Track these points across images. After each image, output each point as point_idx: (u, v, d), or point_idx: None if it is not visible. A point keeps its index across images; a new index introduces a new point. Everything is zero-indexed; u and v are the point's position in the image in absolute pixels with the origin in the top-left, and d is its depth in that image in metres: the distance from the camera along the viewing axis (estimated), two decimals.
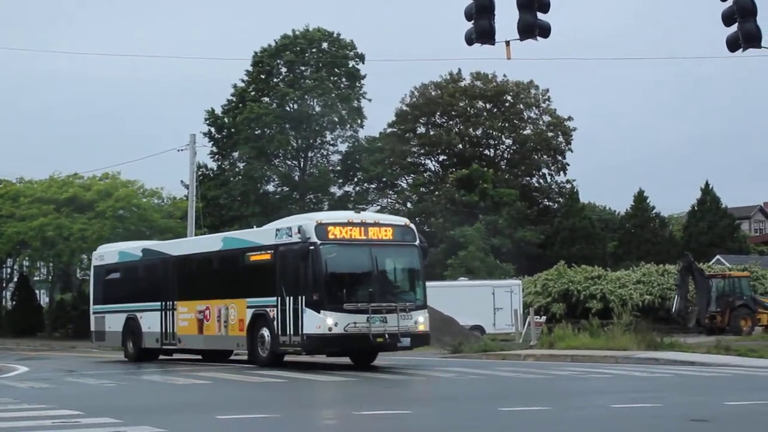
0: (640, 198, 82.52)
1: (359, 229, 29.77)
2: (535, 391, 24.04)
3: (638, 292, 59.88)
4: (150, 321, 36.08)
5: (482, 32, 20.64)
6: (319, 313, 28.41)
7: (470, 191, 73.16)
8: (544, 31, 20.56)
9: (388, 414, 17.63)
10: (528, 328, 45.23)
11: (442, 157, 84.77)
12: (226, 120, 76.73)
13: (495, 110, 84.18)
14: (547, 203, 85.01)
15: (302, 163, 79.38)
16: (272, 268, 30.41)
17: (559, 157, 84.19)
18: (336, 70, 77.59)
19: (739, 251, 77.85)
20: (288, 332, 29.29)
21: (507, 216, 73.20)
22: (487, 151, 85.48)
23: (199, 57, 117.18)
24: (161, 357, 37.62)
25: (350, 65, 78.16)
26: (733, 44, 20.34)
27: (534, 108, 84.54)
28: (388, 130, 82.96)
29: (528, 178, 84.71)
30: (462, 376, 27.54)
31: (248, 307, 31.11)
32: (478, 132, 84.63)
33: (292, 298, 29.25)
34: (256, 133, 75.85)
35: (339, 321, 28.37)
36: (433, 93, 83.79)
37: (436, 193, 78.54)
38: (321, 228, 29.04)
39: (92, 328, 40.60)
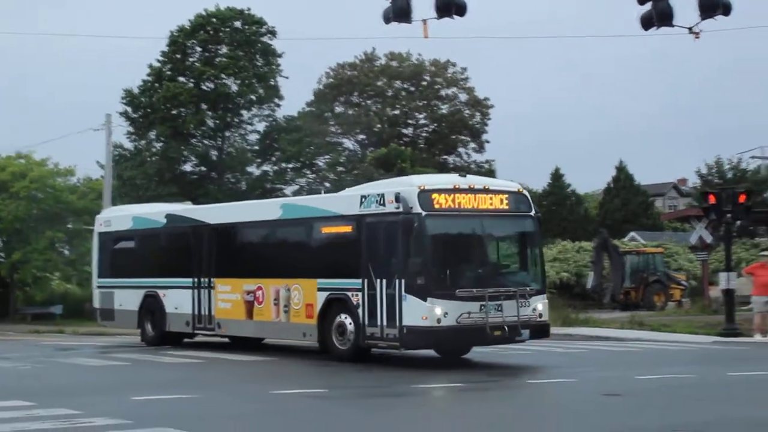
0: (557, 176, 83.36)
1: (467, 196, 24.33)
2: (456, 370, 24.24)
3: (554, 269, 60.34)
4: (177, 300, 30.76)
5: (400, 10, 20.72)
6: (425, 300, 22.99)
7: (388, 170, 73.26)
8: (461, 9, 20.69)
9: None
10: None
11: (360, 137, 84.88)
12: (142, 100, 76.06)
13: (413, 89, 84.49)
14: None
15: (219, 142, 79.05)
16: (355, 243, 25.03)
17: (477, 136, 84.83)
18: (251, 49, 77.21)
19: (652, 228, 78.88)
20: (379, 323, 23.95)
21: None
22: (405, 131, 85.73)
23: (114, 36, 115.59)
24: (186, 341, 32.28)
25: (264, 42, 77.23)
26: (647, 23, 20.56)
27: (452, 87, 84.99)
28: (306, 110, 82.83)
29: (446, 157, 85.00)
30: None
31: (320, 289, 25.80)
32: (396, 111, 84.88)
33: (384, 280, 23.84)
34: (173, 113, 74.98)
35: (450, 310, 23.03)
36: (348, 73, 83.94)
37: (355, 172, 78.41)
38: (425, 195, 23.61)
39: (96, 305, 34.96)
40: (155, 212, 33.95)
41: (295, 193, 78.23)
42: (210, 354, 28.48)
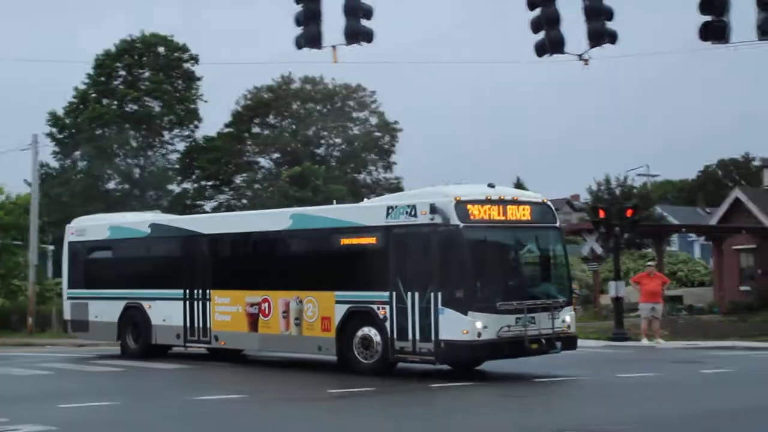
0: None
1: (498, 207, 22.76)
2: None
3: None
4: (165, 312, 28.31)
5: (310, 37, 20.78)
6: (465, 314, 21.41)
7: (303, 187, 73.22)
8: (368, 36, 20.78)
9: None
10: None
11: (275, 156, 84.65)
12: (67, 121, 75.57)
13: (325, 111, 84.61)
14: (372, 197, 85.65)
15: (142, 161, 78.89)
16: (381, 254, 23.24)
17: (387, 156, 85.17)
18: (173, 72, 77.26)
19: None
20: (411, 337, 22.25)
21: None
22: (318, 150, 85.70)
23: (40, 60, 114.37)
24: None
25: (185, 67, 77.63)
26: (540, 50, 20.80)
27: (363, 110, 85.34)
28: (225, 131, 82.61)
29: (357, 175, 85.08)
30: None
31: (338, 301, 23.90)
32: (310, 132, 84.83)
33: (417, 293, 22.14)
34: (97, 133, 74.71)
35: (490, 324, 21.51)
36: (266, 96, 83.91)
37: (270, 189, 78.33)
38: (461, 207, 22.01)
39: (67, 317, 31.97)
40: (136, 221, 31.30)
41: (214, 210, 78.46)
42: (143, 364, 28.12)
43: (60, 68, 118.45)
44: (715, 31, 19.48)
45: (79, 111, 75.10)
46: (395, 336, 22.51)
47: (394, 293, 22.55)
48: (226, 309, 26.85)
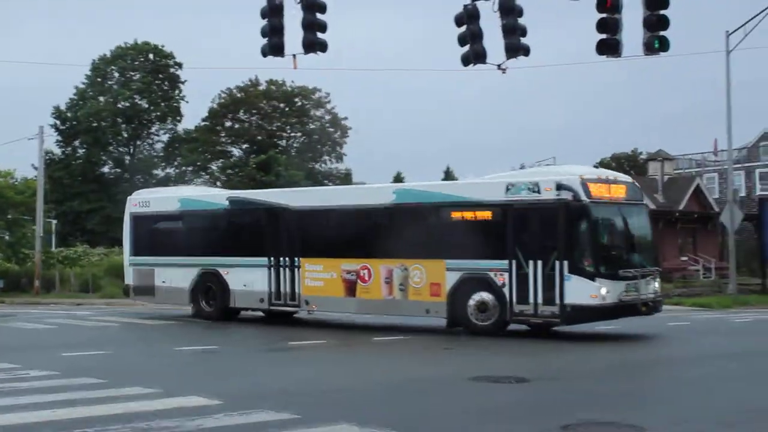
0: (398, 179, 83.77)
1: (607, 186, 22.04)
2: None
3: None
4: (246, 278, 26.21)
5: (274, 47, 20.73)
6: (593, 280, 20.59)
7: (267, 173, 73.24)
8: (323, 47, 20.74)
9: None
10: None
11: (245, 146, 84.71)
12: (68, 115, 75.55)
13: (287, 109, 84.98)
14: (328, 184, 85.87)
15: (131, 150, 79.12)
16: (499, 226, 21.86)
17: (338, 148, 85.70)
18: (160, 75, 77.54)
19: None
20: (532, 300, 21.20)
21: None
22: (280, 142, 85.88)
23: (46, 63, 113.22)
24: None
25: (170, 71, 77.88)
26: (466, 61, 20.85)
27: (319, 109, 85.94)
28: (203, 124, 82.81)
29: (313, 164, 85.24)
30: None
31: (449, 269, 22.39)
32: (274, 127, 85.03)
33: (540, 262, 21.02)
34: (94, 125, 75.06)
35: (612, 289, 20.77)
36: (237, 95, 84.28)
37: (240, 174, 78.31)
38: (584, 185, 21.11)
39: (129, 282, 29.26)
40: (211, 194, 29.65)
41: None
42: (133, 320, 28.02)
43: (60, 70, 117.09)
44: (609, 47, 19.68)
45: (78, 106, 75.57)
46: (514, 300, 21.41)
47: (513, 262, 21.36)
48: (319, 276, 24.90)
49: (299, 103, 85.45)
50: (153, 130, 79.67)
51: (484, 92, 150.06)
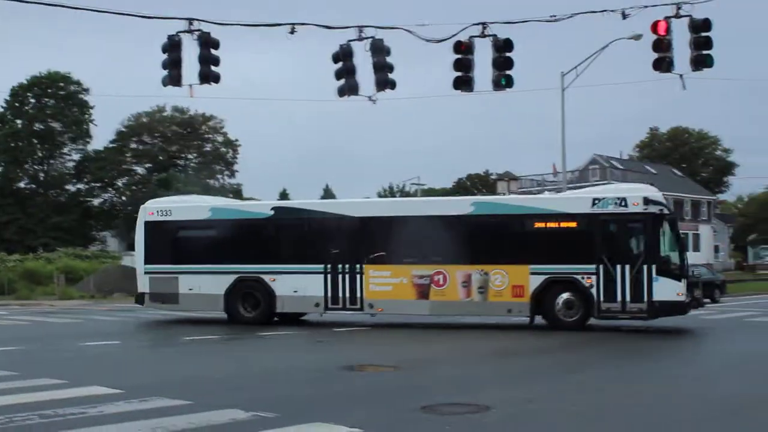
0: (284, 196, 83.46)
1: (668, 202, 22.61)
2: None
3: None
4: (297, 284, 23.93)
5: (173, 78, 20.32)
6: (679, 281, 21.19)
7: (168, 189, 72.33)
8: (216, 78, 20.39)
9: None
10: None
11: (148, 165, 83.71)
12: None
13: (186, 132, 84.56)
14: (230, 197, 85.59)
15: (45, 167, 77.60)
16: (586, 235, 21.77)
17: (230, 166, 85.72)
18: (70, 101, 76.16)
19: None
20: (620, 299, 21.30)
21: None
22: (179, 161, 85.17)
23: None
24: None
25: (80, 97, 76.13)
26: (341, 92, 20.81)
27: (213, 132, 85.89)
28: (110, 145, 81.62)
29: (209, 180, 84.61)
30: None
31: (533, 273, 22.05)
32: (174, 148, 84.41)
33: (627, 266, 21.25)
34: (11, 145, 73.52)
35: (686, 289, 21.49)
36: (144, 119, 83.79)
37: (143, 190, 77.23)
38: (663, 200, 22.08)
39: (144, 290, 25.54)
40: (249, 204, 27.57)
41: (102, 204, 77.94)
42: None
43: None
44: (463, 83, 19.89)
45: None
46: (602, 299, 21.49)
47: (600, 266, 21.47)
48: (386, 281, 23.28)
49: (198, 128, 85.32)
50: (65, 150, 78.20)
51: (359, 119, 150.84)
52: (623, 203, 21.60)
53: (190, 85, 20.22)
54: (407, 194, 78.46)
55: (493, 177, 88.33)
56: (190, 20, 19.56)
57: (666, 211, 21.72)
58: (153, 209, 26.17)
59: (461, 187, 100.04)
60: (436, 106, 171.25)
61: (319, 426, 9.52)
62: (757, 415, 10.61)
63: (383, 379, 13.66)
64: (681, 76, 18.91)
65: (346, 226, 23.98)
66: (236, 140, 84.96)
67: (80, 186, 78.99)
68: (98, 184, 79.50)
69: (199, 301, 24.98)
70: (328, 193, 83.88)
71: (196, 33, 19.60)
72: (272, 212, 24.91)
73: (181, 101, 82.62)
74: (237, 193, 79.51)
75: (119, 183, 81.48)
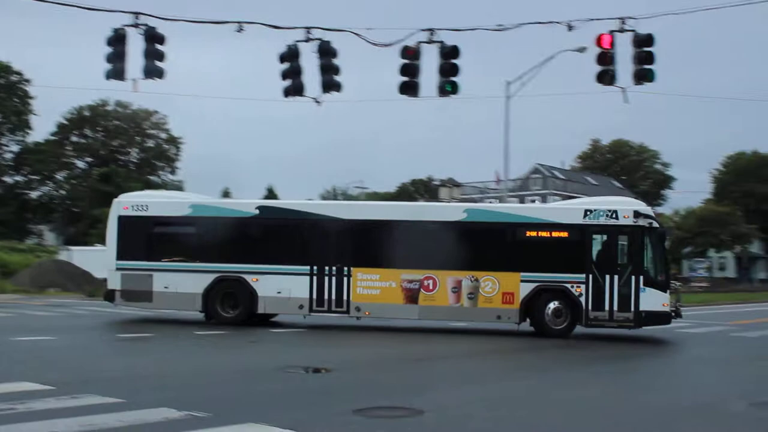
0: (225, 194, 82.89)
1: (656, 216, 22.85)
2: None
3: None
4: (280, 285, 23.25)
5: (117, 72, 20.04)
6: (665, 291, 21.68)
7: (108, 184, 71.39)
8: (160, 73, 20.16)
9: None
10: None
11: (89, 159, 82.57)
12: None
13: (128, 128, 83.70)
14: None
15: None
16: (577, 245, 21.98)
17: (172, 163, 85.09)
18: (10, 91, 74.76)
19: None
20: (607, 308, 21.62)
21: None
22: (121, 156, 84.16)
23: None
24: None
25: (20, 87, 74.66)
26: (287, 93, 20.76)
27: (156, 129, 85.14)
28: (51, 138, 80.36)
29: (150, 177, 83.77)
30: None
31: (524, 281, 22.11)
32: (116, 143, 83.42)
33: (616, 276, 21.69)
34: None
35: (670, 300, 21.95)
36: (86, 113, 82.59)
37: (84, 184, 76.13)
38: (654, 214, 22.48)
39: (115, 287, 24.30)
40: (231, 202, 26.97)
41: (40, 197, 76.74)
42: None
43: None
44: (409, 88, 19.92)
45: None
46: (590, 307, 21.82)
47: (590, 275, 21.83)
48: (373, 284, 22.95)
49: (141, 123, 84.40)
50: (3, 141, 76.68)
51: (302, 120, 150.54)
52: (614, 215, 22.02)
53: (134, 80, 19.99)
54: (351, 197, 78.45)
55: (435, 183, 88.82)
56: (137, 14, 19.36)
57: (655, 225, 22.10)
58: (128, 203, 25.01)
59: (404, 192, 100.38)
60: (382, 110, 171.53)
61: (252, 426, 9.49)
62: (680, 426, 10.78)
63: (318, 381, 13.62)
64: (623, 89, 19.25)
65: (335, 229, 23.45)
66: (179, 137, 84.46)
67: (18, 178, 77.62)
68: (37, 177, 78.16)
69: (174, 300, 24.07)
70: (271, 193, 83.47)
71: (142, 27, 19.41)
72: (257, 211, 24.15)
73: (125, 96, 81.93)
74: (178, 189, 78.86)
75: (59, 176, 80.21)
